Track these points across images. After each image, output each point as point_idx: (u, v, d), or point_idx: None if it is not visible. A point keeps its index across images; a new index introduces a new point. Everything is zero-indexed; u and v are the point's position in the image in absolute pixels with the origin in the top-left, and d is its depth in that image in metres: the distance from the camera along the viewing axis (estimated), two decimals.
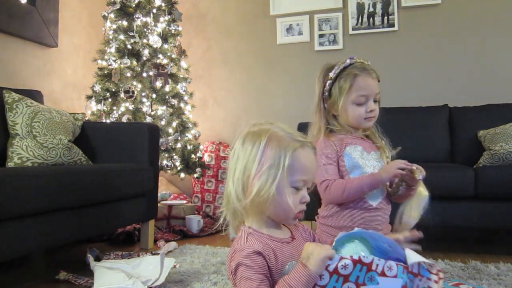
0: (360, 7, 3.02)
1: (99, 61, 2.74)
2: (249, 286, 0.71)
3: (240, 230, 0.83)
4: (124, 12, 2.73)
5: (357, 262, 0.69)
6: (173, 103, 2.78)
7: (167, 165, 2.66)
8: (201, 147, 2.93)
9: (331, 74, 1.19)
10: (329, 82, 1.20)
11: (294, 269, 0.72)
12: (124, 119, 2.58)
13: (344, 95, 1.16)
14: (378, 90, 1.19)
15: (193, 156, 2.75)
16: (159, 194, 2.46)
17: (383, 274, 0.70)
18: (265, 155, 0.78)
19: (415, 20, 2.92)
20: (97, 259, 1.77)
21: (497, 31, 2.76)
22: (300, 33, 3.15)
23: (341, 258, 0.69)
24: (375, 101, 1.18)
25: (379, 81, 1.21)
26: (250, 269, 0.73)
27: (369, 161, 1.17)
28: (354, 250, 0.74)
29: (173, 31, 2.85)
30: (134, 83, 2.67)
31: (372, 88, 1.16)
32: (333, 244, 0.73)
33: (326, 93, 1.22)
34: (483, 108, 2.53)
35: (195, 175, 2.82)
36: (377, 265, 0.69)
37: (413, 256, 0.77)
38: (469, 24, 2.81)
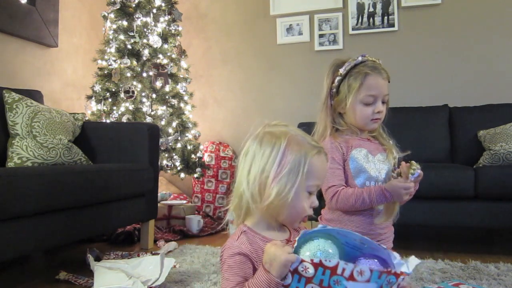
0: (360, 7, 3.02)
1: (99, 61, 2.74)
2: (225, 287, 0.74)
3: (238, 227, 0.84)
4: (124, 12, 2.73)
5: (318, 265, 0.65)
6: (173, 103, 2.78)
7: (167, 165, 2.66)
8: (201, 147, 2.93)
9: (341, 71, 1.16)
10: (338, 78, 1.17)
11: (256, 274, 0.71)
12: (124, 119, 2.58)
13: (353, 93, 1.14)
14: (387, 91, 1.16)
15: (193, 156, 2.75)
16: (159, 194, 2.46)
17: (351, 278, 0.65)
18: (285, 158, 0.78)
19: (415, 20, 2.92)
20: (97, 259, 1.77)
21: (497, 31, 2.76)
22: (300, 33, 3.15)
23: (302, 261, 0.66)
24: (383, 103, 1.16)
25: (389, 81, 1.19)
26: (231, 270, 0.75)
27: (375, 164, 1.15)
28: (317, 248, 0.70)
29: (173, 31, 2.85)
30: (134, 83, 2.67)
31: (381, 89, 1.14)
32: (295, 244, 0.70)
33: (334, 90, 1.19)
34: (483, 108, 2.53)
35: (195, 175, 2.82)
36: (344, 269, 0.65)
37: (397, 256, 0.73)
38: (469, 24, 2.81)
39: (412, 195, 1.12)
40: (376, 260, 0.74)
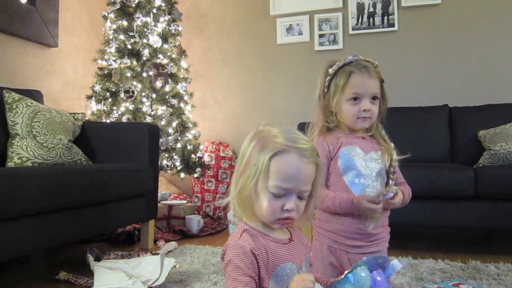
0: (360, 7, 3.02)
1: (99, 61, 2.74)
2: (234, 287, 0.72)
3: (238, 225, 0.84)
4: (124, 12, 2.73)
5: None
6: (173, 103, 2.78)
7: (167, 165, 2.66)
8: (201, 147, 2.93)
9: (330, 70, 1.19)
10: (328, 78, 1.20)
11: None
12: (124, 119, 2.58)
13: (338, 92, 1.16)
14: (377, 90, 1.15)
15: (193, 156, 2.75)
16: (159, 194, 2.46)
17: None
18: (251, 156, 0.79)
19: (415, 20, 2.92)
20: (97, 259, 1.77)
21: (497, 31, 2.76)
22: (300, 33, 3.15)
23: None
24: (373, 102, 1.16)
25: (383, 81, 1.19)
26: (238, 269, 0.73)
27: (367, 162, 1.15)
28: (351, 273, 0.77)
29: (173, 31, 2.85)
30: (134, 83, 2.67)
31: (367, 87, 1.14)
32: (342, 276, 0.76)
33: (325, 89, 1.21)
34: (483, 108, 2.53)
35: (195, 175, 2.82)
36: None
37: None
38: (469, 24, 2.81)
39: (388, 208, 1.14)
40: (380, 270, 0.81)
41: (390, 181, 1.16)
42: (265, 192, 0.76)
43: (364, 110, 1.14)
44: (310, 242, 0.94)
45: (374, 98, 1.15)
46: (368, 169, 1.14)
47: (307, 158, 0.77)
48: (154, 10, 2.78)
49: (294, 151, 0.76)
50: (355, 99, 1.14)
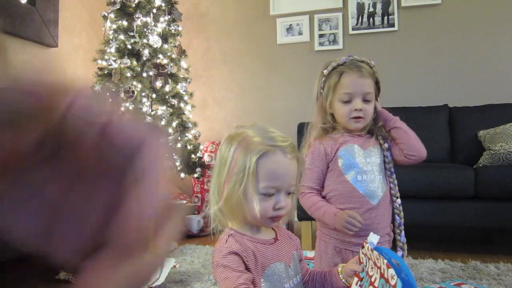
0: (360, 7, 3.02)
1: (99, 61, 2.74)
2: (228, 285, 0.71)
3: (224, 231, 0.83)
4: (124, 12, 2.73)
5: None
6: (173, 103, 2.78)
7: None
8: (201, 147, 2.92)
9: (325, 71, 1.19)
10: (323, 79, 1.20)
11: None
12: None
13: (331, 92, 1.16)
14: (369, 89, 1.14)
15: (193, 156, 2.75)
16: None
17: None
18: (234, 160, 0.77)
19: (415, 20, 2.92)
20: None
21: (497, 31, 2.76)
22: (300, 33, 3.15)
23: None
24: (366, 101, 1.15)
25: (378, 81, 1.18)
26: (227, 269, 0.73)
27: (366, 158, 1.16)
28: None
29: (173, 31, 2.85)
30: (134, 83, 2.67)
31: (358, 87, 1.13)
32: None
33: (321, 90, 1.21)
34: (483, 108, 2.53)
35: (195, 175, 2.82)
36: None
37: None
38: (469, 24, 2.81)
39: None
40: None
41: (390, 177, 1.18)
42: (255, 194, 0.76)
43: (356, 110, 1.13)
44: (312, 243, 0.94)
45: (366, 97, 1.14)
46: (369, 164, 1.15)
47: (290, 154, 0.79)
48: (154, 10, 2.78)
49: (277, 150, 0.77)
50: (347, 99, 1.14)
